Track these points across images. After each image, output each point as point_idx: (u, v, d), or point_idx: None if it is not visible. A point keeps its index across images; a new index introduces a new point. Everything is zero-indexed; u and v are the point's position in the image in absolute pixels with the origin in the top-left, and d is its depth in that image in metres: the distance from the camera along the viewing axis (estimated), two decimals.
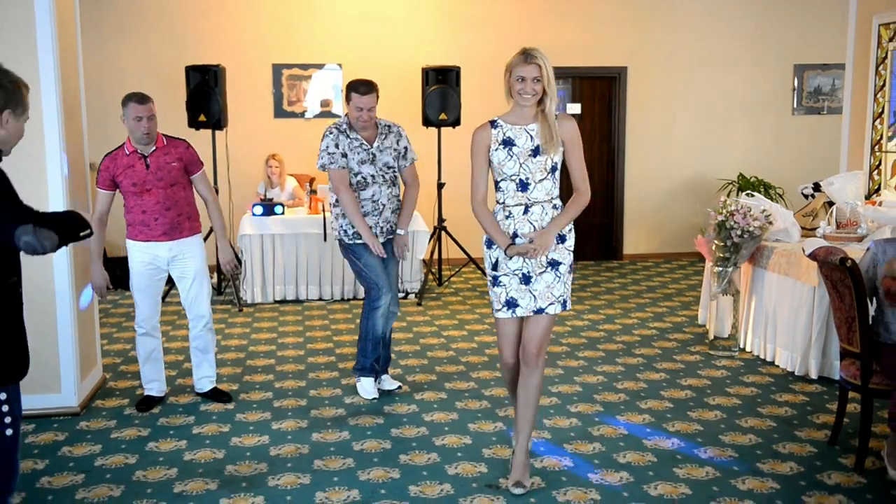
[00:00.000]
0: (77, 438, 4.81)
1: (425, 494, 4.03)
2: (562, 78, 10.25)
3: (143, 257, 5.08)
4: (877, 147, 7.09)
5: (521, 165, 3.93)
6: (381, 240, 5.28)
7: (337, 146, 5.16)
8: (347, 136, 5.21)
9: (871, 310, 4.39)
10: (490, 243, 4.05)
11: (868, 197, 7.00)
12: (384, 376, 5.58)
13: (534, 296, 3.97)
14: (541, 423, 4.96)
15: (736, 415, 5.10)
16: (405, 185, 5.45)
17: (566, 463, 4.39)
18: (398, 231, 5.37)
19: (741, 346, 6.43)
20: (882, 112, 7.03)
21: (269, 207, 8.21)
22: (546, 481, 4.16)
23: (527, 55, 3.89)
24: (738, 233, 6.07)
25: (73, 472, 4.35)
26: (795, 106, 10.66)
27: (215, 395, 5.40)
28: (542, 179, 3.95)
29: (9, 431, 3.04)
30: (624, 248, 10.58)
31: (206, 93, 8.21)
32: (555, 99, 3.96)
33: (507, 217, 3.98)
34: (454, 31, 9.83)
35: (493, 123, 3.99)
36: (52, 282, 5.06)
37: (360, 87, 5.12)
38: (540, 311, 3.97)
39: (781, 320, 5.99)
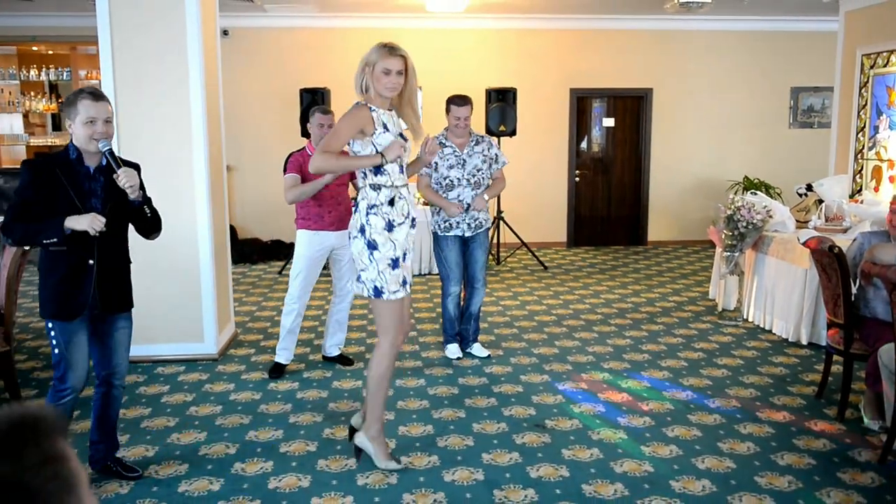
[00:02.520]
0: (216, 378, 4.93)
1: (486, 431, 4.04)
2: (598, 97, 10.11)
3: (314, 245, 4.77)
4: (859, 155, 6.86)
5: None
6: (470, 234, 5.10)
7: None
8: (442, 146, 5.00)
9: (854, 288, 4.26)
10: (391, 227, 3.36)
11: (852, 196, 6.79)
12: (475, 344, 5.35)
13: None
14: (579, 376, 4.94)
15: (739, 372, 5.00)
16: (494, 180, 5.17)
17: (599, 409, 4.36)
18: (476, 191, 5.03)
19: (744, 316, 6.28)
20: (864, 127, 6.79)
21: None
22: (583, 423, 4.14)
23: (391, 48, 3.18)
24: (744, 224, 5.93)
25: (214, 404, 4.46)
26: (791, 121, 10.32)
27: (342, 359, 5.15)
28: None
29: (56, 350, 3.13)
30: (648, 235, 10.38)
31: None
32: (416, 92, 3.38)
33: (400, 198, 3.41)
34: (511, 60, 9.73)
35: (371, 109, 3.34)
36: (198, 255, 5.17)
37: (458, 100, 4.99)
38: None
39: (778, 296, 5.84)
